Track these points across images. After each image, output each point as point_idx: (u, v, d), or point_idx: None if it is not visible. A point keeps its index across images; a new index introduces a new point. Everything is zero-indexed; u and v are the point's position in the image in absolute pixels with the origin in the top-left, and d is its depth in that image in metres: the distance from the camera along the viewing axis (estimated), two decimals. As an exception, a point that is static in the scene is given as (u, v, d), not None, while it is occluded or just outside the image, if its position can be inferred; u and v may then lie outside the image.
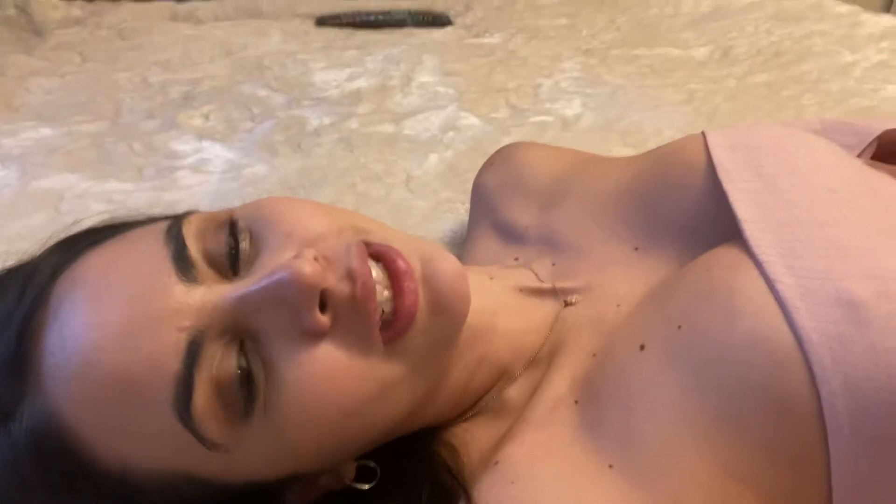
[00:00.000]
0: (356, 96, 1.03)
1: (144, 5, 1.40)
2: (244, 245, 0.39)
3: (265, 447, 0.37)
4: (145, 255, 0.38)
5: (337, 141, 0.91)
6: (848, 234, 0.40)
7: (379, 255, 0.38)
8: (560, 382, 0.45)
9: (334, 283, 0.37)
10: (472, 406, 0.48)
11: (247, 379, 0.36)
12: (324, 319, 0.36)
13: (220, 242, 0.38)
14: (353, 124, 0.95)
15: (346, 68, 1.11)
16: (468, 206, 0.69)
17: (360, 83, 1.07)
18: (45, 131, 0.91)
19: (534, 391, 0.46)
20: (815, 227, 0.41)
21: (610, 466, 0.38)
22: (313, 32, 1.32)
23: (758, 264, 0.40)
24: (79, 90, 1.04)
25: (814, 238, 0.40)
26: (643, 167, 0.56)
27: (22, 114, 0.96)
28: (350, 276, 0.37)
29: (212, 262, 0.38)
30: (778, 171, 0.46)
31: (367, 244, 0.39)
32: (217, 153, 0.87)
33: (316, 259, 0.36)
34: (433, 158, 0.86)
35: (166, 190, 0.76)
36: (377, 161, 0.85)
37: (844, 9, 1.47)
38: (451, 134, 0.93)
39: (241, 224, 0.39)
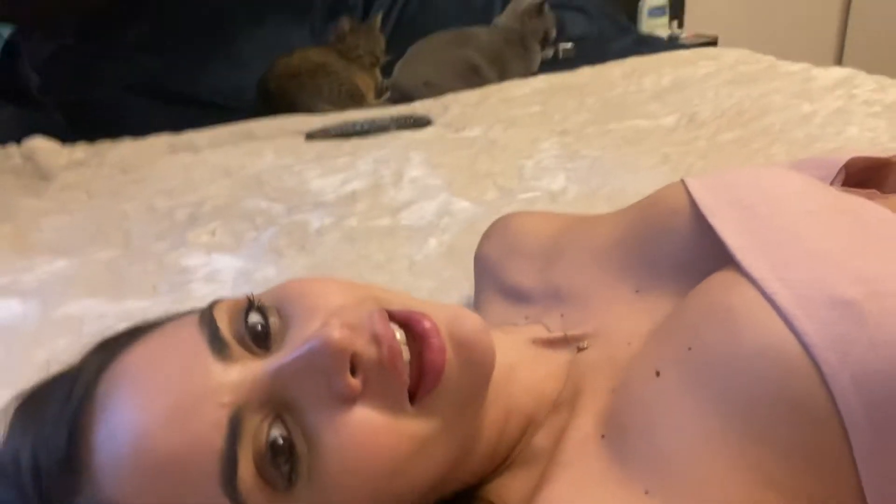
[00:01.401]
0: (352, 197, 1.09)
1: (143, 141, 1.48)
2: (273, 321, 0.41)
3: (312, 513, 0.38)
4: (182, 341, 0.40)
5: (339, 238, 0.95)
6: (831, 246, 0.43)
7: (403, 320, 0.40)
8: (585, 421, 0.47)
9: (362, 346, 0.39)
10: (504, 459, 0.50)
11: (289, 449, 0.37)
12: (355, 383, 0.38)
13: (250, 323, 0.41)
14: (353, 222, 1.00)
15: (339, 173, 1.18)
16: (472, 281, 0.72)
17: (355, 185, 1.13)
18: (61, 263, 0.95)
19: (560, 434, 0.48)
20: (800, 244, 0.44)
21: (646, 492, 0.39)
22: (304, 147, 1.40)
23: (752, 281, 0.42)
24: (89, 223, 1.09)
25: (800, 253, 0.43)
26: (631, 217, 0.60)
27: (37, 250, 1.01)
28: (375, 339, 0.39)
29: (243, 342, 0.41)
30: (756, 201, 0.50)
31: (389, 312, 0.41)
32: (227, 263, 0.91)
33: (342, 326, 0.39)
34: (432, 242, 0.90)
35: (182, 302, 0.79)
36: (379, 251, 0.89)
37: (795, 67, 1.58)
38: (446, 219, 0.97)
39: (268, 304, 0.42)
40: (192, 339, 0.40)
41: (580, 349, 0.53)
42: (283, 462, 0.37)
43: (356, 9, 2.03)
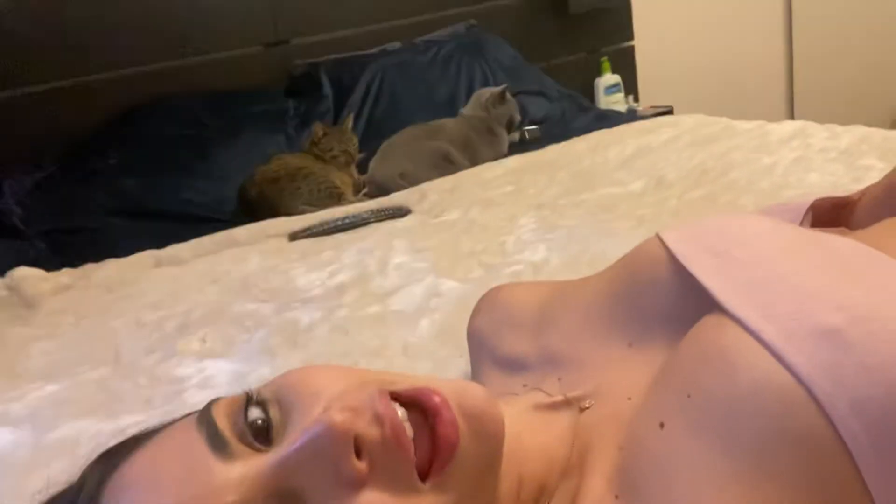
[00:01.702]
0: (340, 289, 1.10)
1: (128, 259, 1.50)
2: (274, 412, 0.41)
3: None
4: (181, 444, 0.40)
5: (330, 330, 0.95)
6: (808, 279, 0.45)
7: (410, 398, 0.40)
8: (596, 484, 0.46)
9: (364, 428, 0.38)
10: (522, 533, 0.49)
11: None
12: (361, 466, 0.38)
13: (250, 419, 0.41)
14: (342, 313, 1.01)
15: (325, 268, 1.20)
16: (467, 357, 0.73)
17: (341, 277, 1.15)
18: (51, 388, 0.94)
19: (574, 500, 0.47)
20: (778, 280, 0.46)
21: None
22: (288, 247, 1.43)
23: (738, 322, 0.44)
24: (77, 345, 1.09)
25: (780, 289, 0.45)
26: (614, 275, 0.61)
27: (26, 378, 0.99)
28: (377, 420, 0.39)
29: (244, 439, 0.40)
30: (729, 246, 0.52)
31: (395, 394, 0.40)
32: (220, 368, 0.91)
33: (343, 409, 0.39)
34: (424, 324, 0.91)
35: (177, 412, 0.78)
36: (372, 338, 0.89)
37: (750, 125, 1.67)
38: (435, 300, 0.99)
39: (267, 396, 0.42)
40: (192, 440, 0.40)
41: (582, 409, 0.53)
42: None
43: (327, 113, 2.11)
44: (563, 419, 0.53)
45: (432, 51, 2.29)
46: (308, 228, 1.51)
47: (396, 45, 2.32)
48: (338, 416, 0.37)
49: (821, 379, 0.38)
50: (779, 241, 0.51)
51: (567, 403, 0.54)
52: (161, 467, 0.39)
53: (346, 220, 1.51)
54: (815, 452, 0.37)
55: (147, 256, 1.48)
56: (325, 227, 1.50)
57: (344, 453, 0.37)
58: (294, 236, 1.50)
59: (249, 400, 0.42)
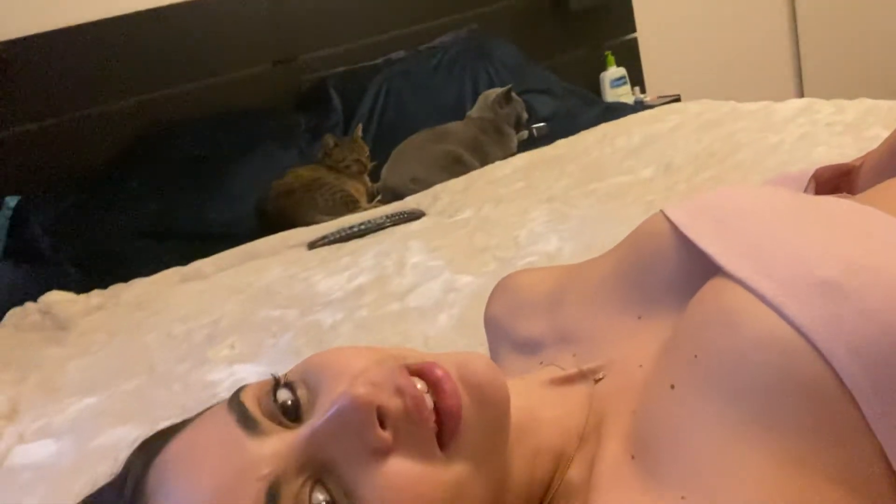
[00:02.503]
0: (360, 291, 1.13)
1: (154, 277, 1.54)
2: (301, 392, 0.44)
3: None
4: (216, 426, 0.43)
5: (354, 328, 0.98)
6: (804, 237, 0.47)
7: (419, 371, 0.43)
8: (613, 447, 0.48)
9: (387, 400, 0.41)
10: (542, 500, 0.51)
11: None
12: (386, 435, 0.40)
13: (280, 400, 0.44)
14: (364, 312, 1.04)
15: (344, 272, 1.23)
16: (486, 346, 0.75)
17: (360, 280, 1.17)
18: (90, 400, 0.98)
19: (592, 465, 0.49)
20: (776, 240, 0.48)
21: (682, 498, 0.41)
22: (308, 256, 1.46)
23: (739, 282, 0.46)
24: (112, 360, 1.13)
25: (777, 248, 0.47)
26: (621, 252, 0.64)
27: (65, 393, 1.03)
28: (399, 392, 0.41)
29: (274, 417, 0.43)
30: (729, 214, 0.54)
31: (407, 367, 0.44)
32: (249, 371, 0.94)
33: (366, 383, 0.42)
34: (443, 318, 0.93)
35: (211, 414, 0.81)
36: (394, 334, 0.92)
37: (756, 106, 1.67)
38: (452, 295, 1.01)
39: (294, 379, 0.45)
40: (224, 423, 0.43)
41: (596, 381, 0.55)
42: None
43: (337, 126, 2.15)
44: (578, 391, 0.55)
45: (436, 57, 2.33)
46: (326, 236, 1.54)
47: (401, 53, 2.36)
48: (361, 389, 0.40)
49: (820, 328, 0.40)
50: (776, 206, 0.53)
51: (581, 376, 0.56)
52: (199, 448, 0.42)
53: (363, 227, 1.54)
54: (819, 398, 0.39)
55: (172, 273, 1.53)
56: (342, 234, 1.53)
57: (369, 423, 0.40)
58: (313, 245, 1.53)
59: (277, 383, 0.45)
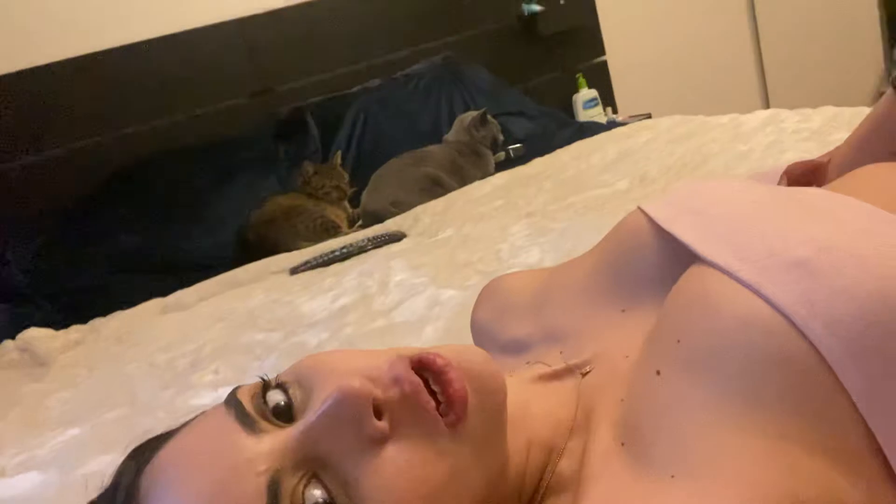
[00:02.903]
0: (344, 311, 1.13)
1: (134, 310, 1.53)
2: (293, 392, 0.44)
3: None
4: (212, 426, 0.43)
5: (340, 346, 0.98)
6: (776, 223, 0.48)
7: (419, 361, 0.43)
8: (603, 436, 0.49)
9: (383, 391, 0.41)
10: (535, 492, 0.51)
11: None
12: (382, 425, 0.40)
13: (271, 402, 0.44)
14: (349, 331, 1.03)
15: (327, 293, 1.22)
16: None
17: (344, 300, 1.17)
18: (73, 431, 0.96)
19: (583, 455, 0.50)
20: (749, 227, 0.49)
21: (672, 477, 0.41)
22: (290, 281, 1.46)
23: (716, 267, 0.47)
24: (94, 392, 1.11)
25: (751, 234, 0.48)
26: (602, 249, 0.65)
27: (47, 426, 1.01)
28: (396, 381, 0.42)
29: (268, 418, 0.43)
30: (703, 205, 0.56)
31: (408, 357, 0.43)
32: (235, 393, 0.93)
33: (360, 377, 0.42)
34: (429, 330, 0.93)
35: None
36: (381, 347, 0.92)
37: (724, 118, 1.71)
38: (436, 309, 1.01)
39: (287, 380, 0.45)
40: (222, 421, 0.42)
41: (584, 374, 0.56)
42: None
43: (316, 153, 2.17)
44: (567, 385, 0.56)
45: (412, 83, 2.36)
46: (308, 262, 1.54)
47: (376, 81, 2.39)
48: (355, 381, 0.40)
49: (795, 305, 0.41)
50: (749, 195, 0.54)
51: (569, 371, 0.57)
52: (195, 447, 0.42)
53: (344, 250, 1.54)
54: (799, 372, 0.40)
55: (153, 305, 1.51)
56: (324, 258, 1.53)
57: (364, 414, 0.40)
58: (295, 270, 1.53)
59: (267, 385, 0.45)
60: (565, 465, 0.51)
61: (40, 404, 1.11)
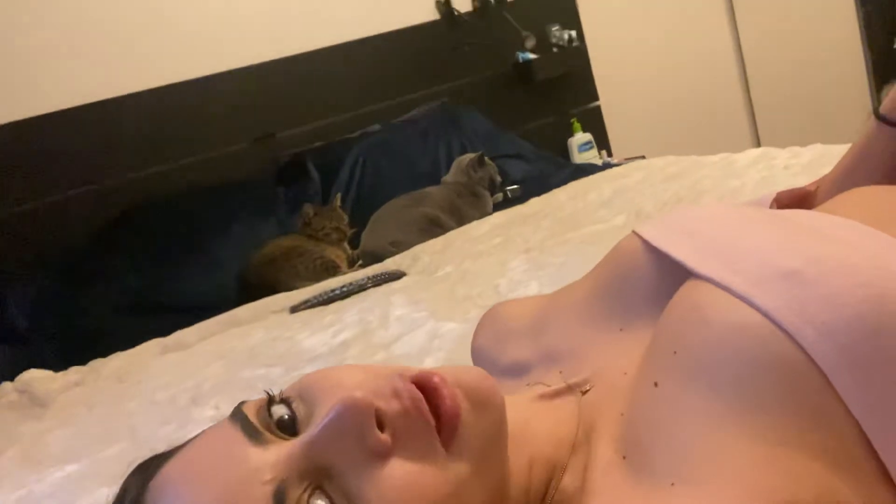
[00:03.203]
0: (345, 345, 1.14)
1: (134, 350, 1.53)
2: (297, 406, 0.45)
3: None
4: (218, 438, 0.44)
5: (340, 378, 0.98)
6: (769, 238, 0.50)
7: (416, 380, 0.44)
8: (604, 451, 0.49)
9: (385, 403, 0.42)
10: (539, 510, 0.51)
11: None
12: (385, 437, 0.41)
13: (276, 415, 0.45)
14: (350, 363, 1.03)
15: (328, 329, 1.23)
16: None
17: (345, 335, 1.18)
18: (71, 468, 0.96)
19: (585, 471, 0.50)
20: (741, 243, 0.51)
21: (672, 485, 0.42)
22: (290, 319, 1.46)
23: (709, 280, 0.48)
24: (93, 429, 1.10)
25: (743, 249, 0.50)
26: (599, 272, 0.66)
27: (46, 464, 1.01)
28: (397, 394, 0.43)
29: (272, 431, 0.44)
30: (696, 226, 0.57)
31: (405, 377, 0.45)
32: (236, 427, 0.93)
33: (363, 390, 0.43)
34: (429, 361, 0.94)
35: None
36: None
37: (716, 157, 1.75)
38: (437, 341, 1.02)
39: (291, 395, 0.46)
40: (228, 434, 0.43)
41: (584, 392, 0.57)
42: None
43: (316, 196, 2.20)
44: (567, 403, 0.57)
45: (410, 128, 2.41)
46: (308, 300, 1.55)
47: (376, 126, 2.44)
48: (358, 394, 0.41)
49: (787, 313, 0.42)
50: (740, 216, 0.56)
51: (569, 389, 0.58)
52: (201, 460, 0.42)
53: (344, 289, 1.55)
54: (793, 378, 0.41)
55: (153, 345, 1.51)
56: (325, 297, 1.54)
57: (367, 426, 0.40)
58: (295, 309, 1.54)
59: (272, 399, 0.46)
60: (568, 482, 0.51)
61: (39, 441, 1.11)
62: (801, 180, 1.31)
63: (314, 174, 2.25)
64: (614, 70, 2.97)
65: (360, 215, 2.08)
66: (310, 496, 0.40)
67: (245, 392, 1.07)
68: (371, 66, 2.54)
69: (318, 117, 2.44)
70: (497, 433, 0.46)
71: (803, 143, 1.67)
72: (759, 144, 3.19)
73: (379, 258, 1.82)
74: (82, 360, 1.57)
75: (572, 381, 0.58)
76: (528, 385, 0.64)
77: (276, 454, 0.41)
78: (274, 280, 1.78)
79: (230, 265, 1.93)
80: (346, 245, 2.00)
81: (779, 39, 3.18)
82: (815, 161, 1.41)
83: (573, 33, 2.80)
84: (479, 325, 0.78)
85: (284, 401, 0.45)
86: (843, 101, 3.09)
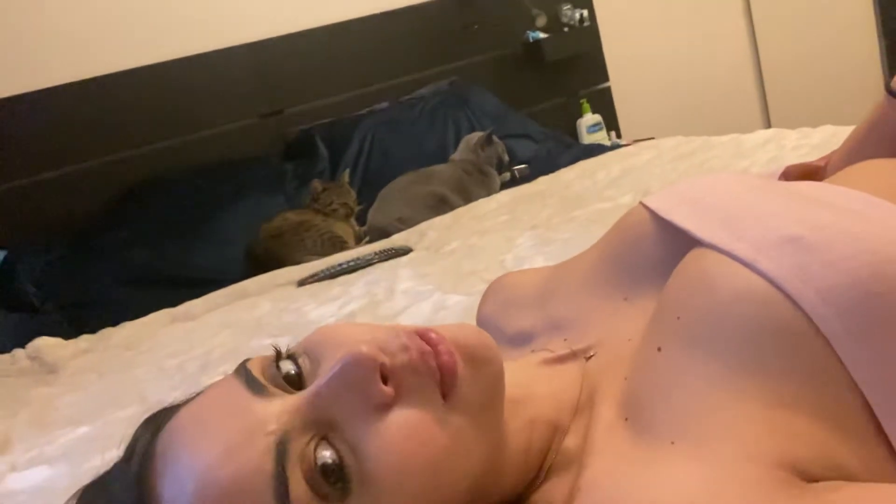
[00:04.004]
0: (351, 316, 1.15)
1: (143, 319, 1.54)
2: (303, 362, 0.46)
3: (369, 522, 0.41)
4: (224, 392, 0.45)
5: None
6: (773, 207, 0.51)
7: (416, 336, 0.45)
8: (606, 413, 0.50)
9: (391, 357, 0.43)
10: (540, 470, 0.52)
11: (338, 467, 0.41)
12: (388, 390, 0.42)
13: (283, 370, 0.46)
14: (356, 334, 1.05)
15: (335, 301, 1.24)
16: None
17: (352, 307, 1.19)
18: (82, 430, 0.97)
19: (587, 432, 0.51)
20: (747, 210, 0.51)
21: (672, 443, 0.43)
22: (298, 292, 1.48)
23: (714, 247, 0.49)
24: (104, 394, 1.12)
25: (747, 217, 0.50)
26: (605, 242, 0.67)
27: (57, 425, 1.03)
28: (404, 349, 0.43)
29: (279, 384, 0.45)
30: (702, 195, 0.58)
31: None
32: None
33: (369, 344, 0.44)
34: (435, 332, 0.95)
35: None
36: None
37: (726, 138, 1.74)
38: (442, 313, 1.03)
39: (297, 351, 0.47)
40: (231, 388, 0.44)
41: (587, 358, 0.58)
42: (334, 480, 0.40)
43: (324, 172, 2.20)
44: (571, 369, 0.57)
45: (418, 106, 2.41)
46: (315, 274, 1.56)
47: (384, 104, 2.44)
48: (364, 348, 0.42)
49: (790, 278, 0.43)
50: (745, 185, 0.57)
51: (573, 355, 0.58)
52: (207, 413, 0.43)
53: (351, 263, 1.56)
54: (795, 341, 0.42)
55: (162, 315, 1.53)
56: (332, 271, 1.55)
57: (371, 379, 0.41)
58: (302, 282, 1.55)
59: (279, 355, 0.47)
60: (570, 442, 0.52)
61: (50, 405, 1.13)
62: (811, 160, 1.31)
63: (323, 150, 2.25)
64: (626, 50, 2.95)
65: (367, 192, 2.08)
66: (316, 446, 0.41)
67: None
68: (380, 43, 2.53)
69: (326, 94, 2.44)
70: (494, 390, 0.47)
71: (815, 126, 1.66)
72: (770, 126, 3.17)
73: (386, 234, 1.83)
74: (92, 330, 1.59)
75: (576, 346, 0.59)
76: (532, 351, 0.65)
77: (280, 406, 0.42)
78: (281, 254, 1.79)
79: (238, 240, 1.94)
80: (353, 221, 2.01)
81: (793, 21, 3.14)
82: (825, 142, 1.41)
83: (584, 13, 2.78)
84: (485, 294, 0.79)
85: (291, 356, 0.46)
86: (856, 84, 3.06)
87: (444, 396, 0.43)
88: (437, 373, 0.43)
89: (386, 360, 0.43)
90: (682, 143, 1.82)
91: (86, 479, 0.80)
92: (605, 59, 2.92)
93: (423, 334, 0.45)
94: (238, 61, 2.33)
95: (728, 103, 3.12)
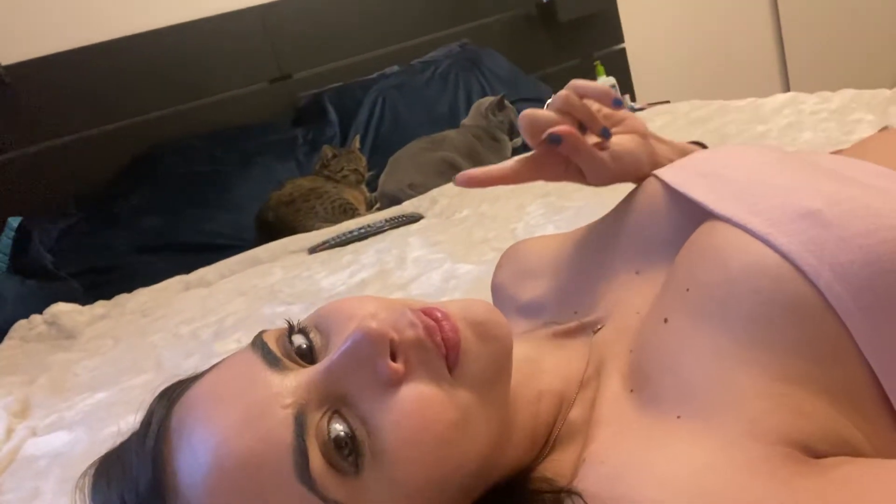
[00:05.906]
0: (362, 284, 1.15)
1: (158, 286, 1.56)
2: (314, 336, 0.46)
3: (382, 494, 0.41)
4: (239, 365, 0.45)
5: (358, 316, 1.00)
6: (789, 178, 0.50)
7: (422, 313, 0.46)
8: (612, 384, 0.50)
9: (399, 333, 0.43)
10: (546, 442, 0.53)
11: (351, 440, 0.41)
12: (397, 366, 0.43)
13: (295, 344, 0.46)
14: (367, 302, 1.05)
15: (346, 269, 1.25)
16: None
17: (363, 275, 1.19)
18: (100, 395, 0.99)
19: (593, 404, 0.51)
20: (763, 183, 0.50)
21: (678, 417, 0.43)
22: (309, 259, 1.48)
23: (727, 220, 0.48)
24: (120, 360, 1.14)
25: (762, 190, 0.49)
26: (618, 214, 0.66)
27: (75, 391, 1.05)
28: (411, 325, 0.44)
29: (291, 358, 0.46)
30: (717, 167, 0.57)
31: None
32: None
33: (378, 319, 0.44)
34: (445, 301, 0.95)
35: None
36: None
37: (743, 102, 1.71)
38: (453, 282, 1.03)
39: (308, 325, 0.47)
40: (248, 361, 0.45)
41: (595, 331, 0.58)
42: (347, 453, 0.41)
43: (334, 137, 2.19)
44: (579, 342, 0.57)
45: (429, 70, 2.38)
46: (326, 241, 1.57)
47: (394, 68, 2.41)
48: (373, 324, 0.42)
49: (805, 253, 0.42)
50: (760, 157, 0.56)
51: (581, 328, 0.58)
52: (224, 384, 0.44)
53: (362, 231, 1.56)
54: (807, 317, 0.41)
55: (176, 282, 1.55)
56: (343, 238, 1.56)
57: (380, 354, 0.42)
58: (314, 249, 1.56)
59: (292, 328, 0.47)
60: (577, 414, 0.52)
61: (68, 371, 1.15)
62: (830, 126, 1.28)
63: (332, 116, 2.24)
64: (641, 11, 2.88)
65: (377, 158, 2.07)
66: (329, 420, 0.42)
67: (266, 327, 1.10)
68: (390, 6, 2.48)
69: (335, 58, 2.41)
70: (500, 364, 0.47)
71: (834, 90, 1.63)
72: (788, 90, 3.10)
73: (396, 200, 1.83)
74: (107, 296, 1.61)
75: (585, 319, 0.59)
76: (543, 324, 0.65)
77: (295, 380, 0.42)
78: (292, 220, 1.79)
79: (249, 206, 1.94)
80: (364, 187, 2.01)
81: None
82: (844, 107, 1.37)
83: (599, -30, 2.71)
84: (499, 262, 0.78)
85: (302, 330, 0.47)
86: (878, 47, 2.98)
87: (450, 370, 0.43)
88: (442, 347, 0.43)
89: (395, 335, 0.43)
90: (697, 107, 1.79)
91: (104, 444, 0.82)
92: (621, 19, 2.85)
93: (429, 312, 0.45)
94: (247, 25, 2.30)
95: (746, 66, 3.05)
